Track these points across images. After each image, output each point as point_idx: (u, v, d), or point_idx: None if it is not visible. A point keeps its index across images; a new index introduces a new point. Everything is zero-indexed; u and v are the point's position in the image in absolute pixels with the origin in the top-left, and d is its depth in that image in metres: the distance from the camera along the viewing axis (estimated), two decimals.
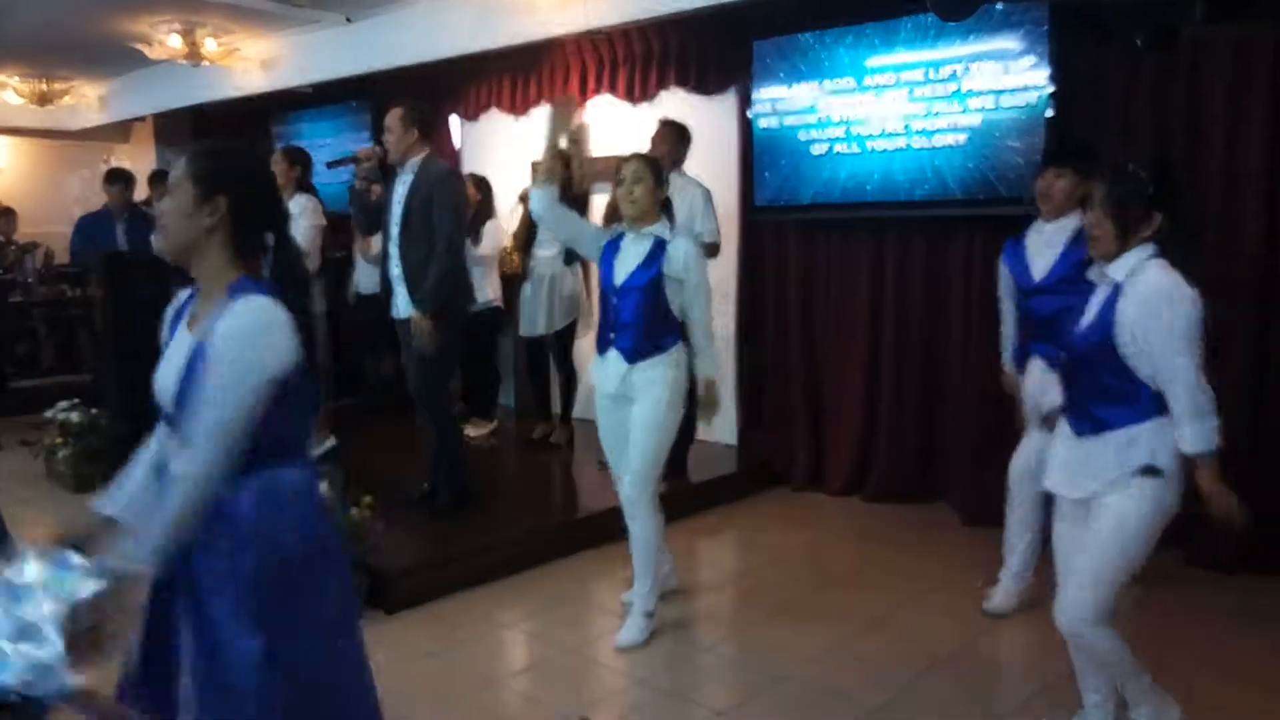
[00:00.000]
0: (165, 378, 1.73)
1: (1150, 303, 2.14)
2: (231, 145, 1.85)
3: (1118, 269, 2.22)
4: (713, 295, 3.26)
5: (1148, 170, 2.23)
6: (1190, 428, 2.13)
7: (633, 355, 3.16)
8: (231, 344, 1.62)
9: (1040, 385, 3.26)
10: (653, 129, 4.64)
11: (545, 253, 5.22)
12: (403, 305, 4.00)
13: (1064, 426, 2.36)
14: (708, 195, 4.52)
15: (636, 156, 3.24)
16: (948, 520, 4.51)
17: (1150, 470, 2.17)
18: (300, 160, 5.01)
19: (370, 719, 1.85)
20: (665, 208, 3.26)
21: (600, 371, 3.29)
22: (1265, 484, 3.54)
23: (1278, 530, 3.56)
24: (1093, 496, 2.25)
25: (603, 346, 3.27)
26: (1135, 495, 2.19)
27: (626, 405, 3.22)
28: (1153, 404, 2.18)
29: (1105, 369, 2.22)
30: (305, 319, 1.79)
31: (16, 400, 6.58)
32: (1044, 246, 3.24)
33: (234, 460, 1.63)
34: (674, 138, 4.55)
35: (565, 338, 5.32)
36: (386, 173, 4.11)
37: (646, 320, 3.14)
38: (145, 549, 1.59)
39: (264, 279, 1.75)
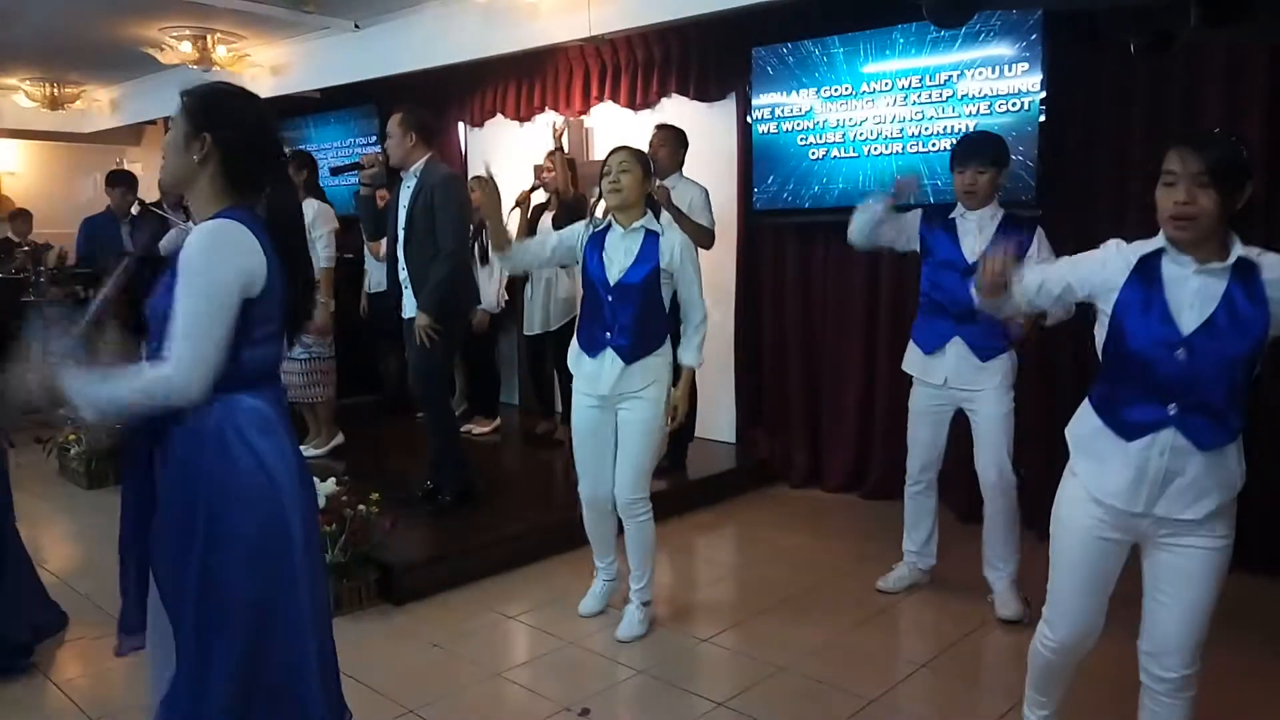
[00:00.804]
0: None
1: None
2: (222, 87, 1.91)
3: (1244, 250, 1.95)
4: (709, 293, 3.20)
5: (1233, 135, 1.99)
6: None
7: (630, 354, 3.06)
8: (195, 254, 1.70)
9: (957, 369, 3.34)
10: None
11: None
12: (409, 306, 4.08)
13: (1167, 440, 1.99)
14: (706, 194, 4.60)
15: (624, 148, 3.11)
16: (944, 518, 4.54)
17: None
18: (306, 164, 5.08)
19: (298, 645, 1.84)
20: (650, 203, 3.17)
21: (590, 373, 3.14)
22: (1259, 483, 3.60)
23: (1271, 528, 3.63)
24: (1210, 517, 2.02)
25: (594, 347, 3.12)
26: (1233, 514, 2.03)
27: (613, 408, 3.14)
28: None
29: (1243, 367, 1.95)
30: (299, 264, 1.90)
31: None
32: (973, 231, 3.32)
33: (212, 375, 1.69)
34: (673, 141, 4.64)
35: (562, 337, 5.40)
36: (391, 178, 4.21)
37: (645, 317, 3.06)
38: (85, 393, 1.67)
39: (250, 211, 1.82)
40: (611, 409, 3.16)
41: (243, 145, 1.82)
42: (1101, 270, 2.07)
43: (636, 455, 3.15)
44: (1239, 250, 1.94)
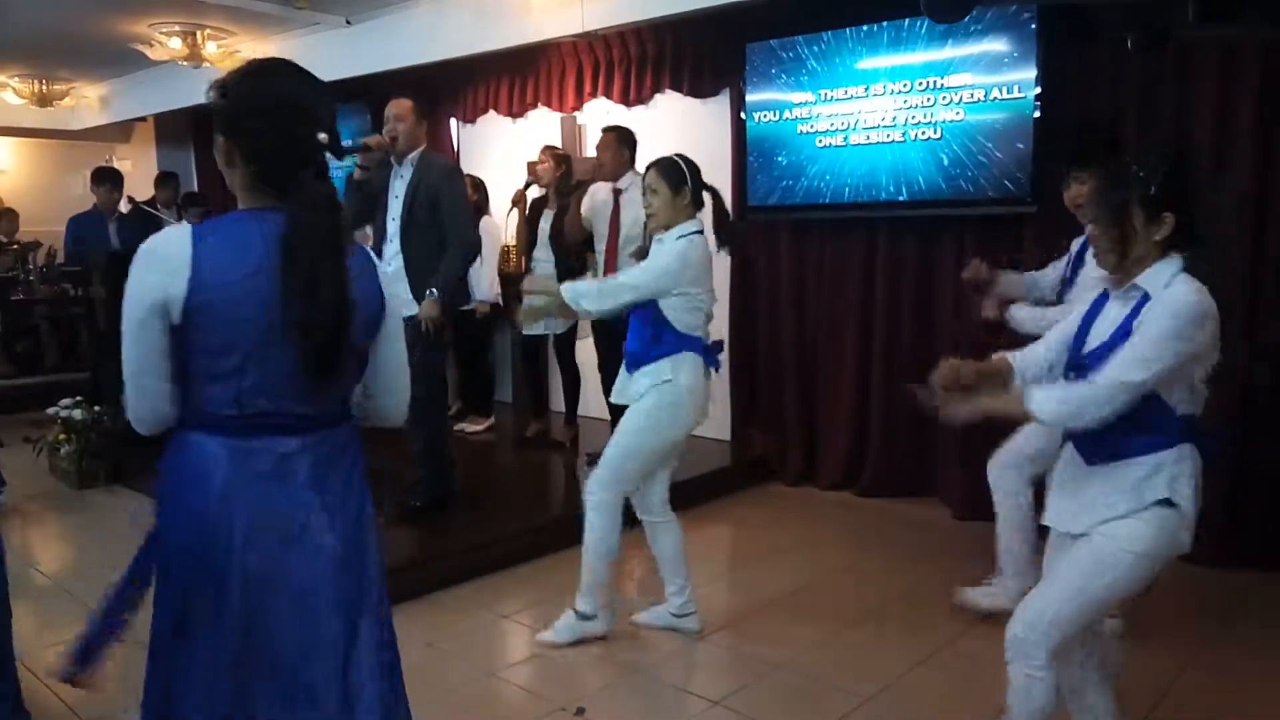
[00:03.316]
0: None
1: (1163, 307, 1.90)
2: (244, 70, 1.58)
3: (1151, 280, 1.95)
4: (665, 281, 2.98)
5: (1152, 167, 1.95)
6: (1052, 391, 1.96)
7: (630, 364, 3.08)
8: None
9: None
10: (650, 131, 4.71)
11: (543, 254, 5.27)
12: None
13: (1069, 453, 2.09)
14: None
15: (652, 166, 3.07)
16: (939, 515, 4.57)
17: (1167, 502, 1.94)
18: None
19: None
20: (698, 204, 3.08)
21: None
22: (1257, 482, 3.62)
23: (1268, 526, 3.63)
24: (1095, 528, 1.99)
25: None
26: (1151, 522, 1.95)
27: None
28: (1179, 430, 1.95)
29: None
30: (310, 288, 1.48)
31: (19, 397, 6.65)
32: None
33: (157, 408, 1.53)
34: (615, 143, 4.62)
35: (568, 339, 5.36)
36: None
37: (640, 328, 3.05)
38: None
39: (256, 214, 1.54)
40: None
41: (263, 139, 1.53)
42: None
43: (607, 450, 3.09)
44: (1140, 279, 1.96)
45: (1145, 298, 1.95)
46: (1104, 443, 1.98)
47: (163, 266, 1.47)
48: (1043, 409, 1.95)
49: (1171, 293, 1.91)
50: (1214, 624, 3.28)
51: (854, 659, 3.11)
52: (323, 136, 1.54)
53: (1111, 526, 1.96)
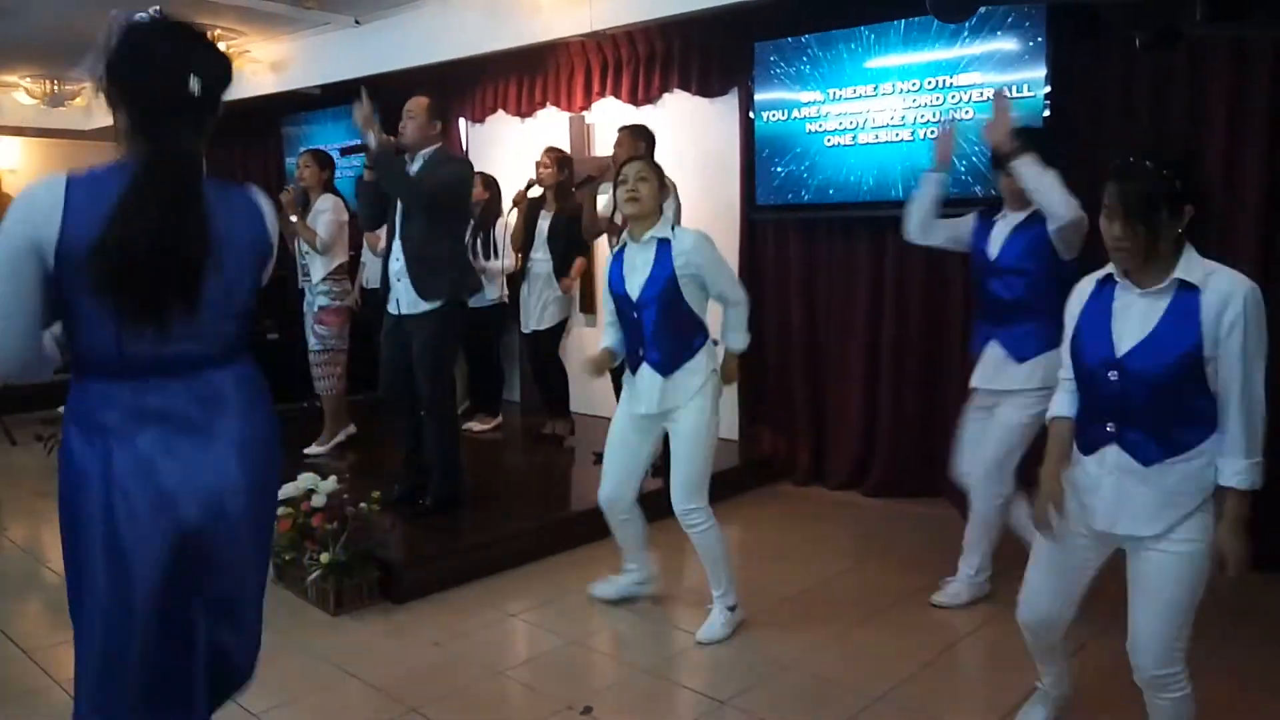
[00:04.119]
0: None
1: (1235, 305, 1.93)
2: (130, 21, 1.65)
3: (1190, 272, 1.97)
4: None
5: (1163, 163, 1.98)
6: (1242, 461, 1.96)
7: (667, 367, 3.06)
8: None
9: (993, 373, 3.26)
10: (658, 131, 4.71)
11: (540, 254, 5.30)
12: (404, 302, 3.94)
13: (1113, 458, 2.08)
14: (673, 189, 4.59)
15: (639, 157, 3.15)
16: (947, 515, 4.54)
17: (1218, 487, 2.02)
18: (329, 163, 5.21)
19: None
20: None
21: (634, 390, 3.16)
22: (1264, 481, 3.58)
23: (1272, 526, 3.61)
24: (1171, 528, 2.03)
25: (634, 364, 3.14)
26: (1208, 517, 2.02)
27: (659, 422, 3.14)
28: (1217, 414, 2.01)
29: (1189, 387, 1.98)
30: (174, 231, 1.54)
31: (31, 396, 6.67)
32: (1006, 228, 3.23)
33: (20, 352, 1.57)
34: (630, 139, 4.62)
35: (554, 335, 5.38)
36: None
37: (673, 327, 3.05)
38: None
39: (125, 164, 1.58)
40: (654, 424, 3.15)
41: (135, 87, 1.59)
42: (1072, 307, 2.21)
43: (686, 466, 3.10)
44: (1179, 272, 1.99)
45: (1184, 287, 1.97)
46: (1165, 441, 2.02)
47: (36, 210, 1.50)
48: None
49: (1230, 281, 1.95)
50: (1228, 624, 3.25)
51: (862, 659, 3.10)
52: (193, 84, 1.58)
53: (1185, 527, 2.02)
